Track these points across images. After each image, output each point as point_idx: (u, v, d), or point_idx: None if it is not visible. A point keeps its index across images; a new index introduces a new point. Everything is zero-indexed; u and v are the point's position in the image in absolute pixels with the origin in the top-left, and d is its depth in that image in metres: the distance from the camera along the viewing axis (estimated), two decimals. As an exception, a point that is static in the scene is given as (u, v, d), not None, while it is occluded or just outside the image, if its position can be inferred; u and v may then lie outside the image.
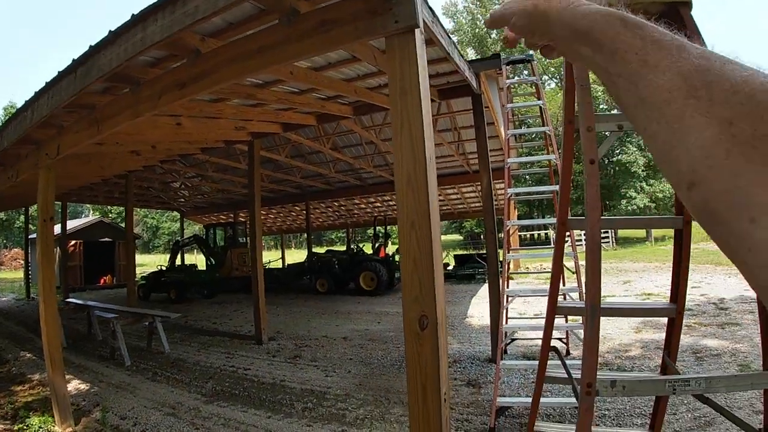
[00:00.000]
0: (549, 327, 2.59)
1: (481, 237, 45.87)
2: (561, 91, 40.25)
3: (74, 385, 7.10)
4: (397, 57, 2.71)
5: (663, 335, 7.61)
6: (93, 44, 4.11)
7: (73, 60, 4.37)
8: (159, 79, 4.46)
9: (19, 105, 5.86)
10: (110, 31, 3.90)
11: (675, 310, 2.55)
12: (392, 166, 16.68)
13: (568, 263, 6.21)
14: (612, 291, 13.73)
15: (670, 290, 2.69)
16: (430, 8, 4.22)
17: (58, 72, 4.62)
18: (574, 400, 5.22)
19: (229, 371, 7.79)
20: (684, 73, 0.43)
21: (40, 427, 5.29)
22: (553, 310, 2.52)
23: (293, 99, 7.29)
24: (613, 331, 8.57)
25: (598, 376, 1.91)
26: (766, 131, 0.36)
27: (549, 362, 2.89)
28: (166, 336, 9.52)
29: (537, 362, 6.05)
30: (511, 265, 16.45)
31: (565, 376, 2.69)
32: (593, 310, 1.95)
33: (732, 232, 0.37)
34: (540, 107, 7.29)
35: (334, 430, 5.23)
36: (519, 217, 24.64)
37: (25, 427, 5.40)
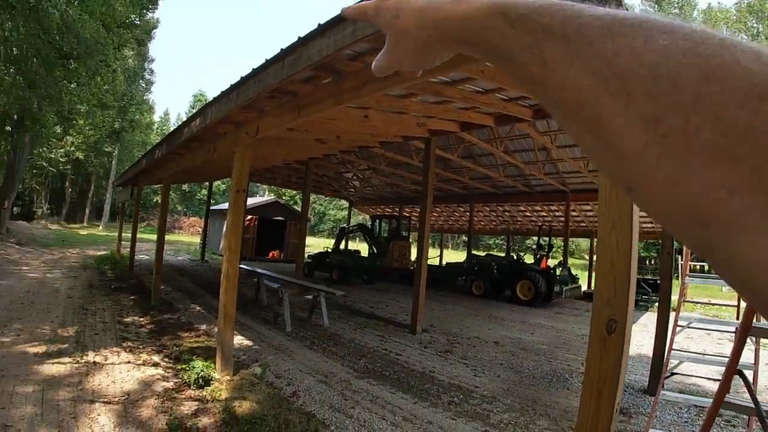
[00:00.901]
0: (740, 347, 2.45)
1: (647, 262, 42.77)
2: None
3: (237, 341, 7.62)
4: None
5: None
6: (301, 36, 4.44)
7: (281, 50, 4.74)
8: (362, 71, 4.76)
9: (207, 94, 6.52)
10: (319, 24, 4.18)
11: None
12: (563, 175, 16.37)
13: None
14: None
15: None
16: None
17: (266, 60, 5.02)
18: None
19: (382, 353, 8.08)
20: (589, 65, 0.34)
21: (201, 370, 5.83)
22: (748, 329, 2.38)
23: (477, 98, 7.36)
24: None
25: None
26: (699, 123, 0.29)
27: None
28: (327, 311, 10.12)
29: (699, 398, 5.69)
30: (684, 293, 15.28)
31: (744, 404, 2.54)
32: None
33: (684, 235, 0.32)
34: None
35: (477, 428, 5.22)
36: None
37: (187, 368, 6.03)
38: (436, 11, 0.49)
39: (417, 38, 0.52)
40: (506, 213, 27.05)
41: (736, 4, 44.26)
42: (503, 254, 21.63)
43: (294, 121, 5.69)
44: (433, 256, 28.44)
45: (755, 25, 42.60)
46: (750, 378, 5.52)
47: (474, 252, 23.04)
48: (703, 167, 0.28)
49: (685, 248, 6.07)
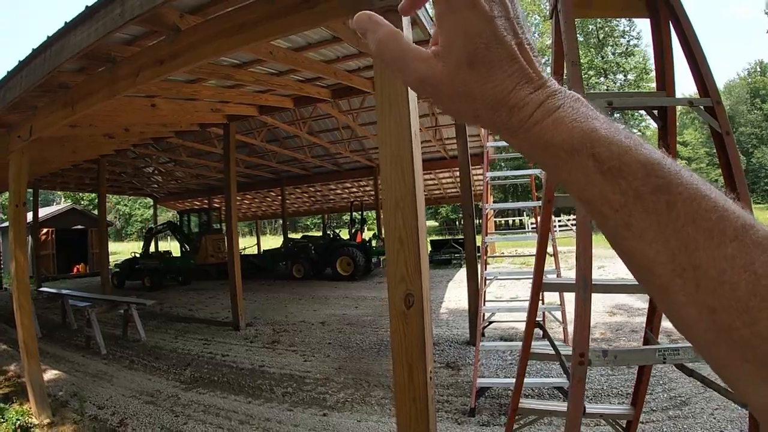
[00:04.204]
0: (534, 304, 2.60)
1: (456, 223, 46.22)
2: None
3: (51, 376, 6.99)
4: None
5: (635, 320, 7.82)
6: (68, 20, 4.00)
7: (48, 37, 4.24)
8: (137, 56, 4.37)
9: None
10: (87, 6, 3.79)
11: (658, 286, 2.58)
12: (369, 151, 16.76)
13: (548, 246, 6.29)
14: (586, 275, 13.93)
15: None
16: (413, -12, 4.16)
17: (32, 50, 4.49)
18: (551, 380, 5.33)
19: (207, 358, 7.75)
20: (672, 249, 0.39)
21: (17, 420, 5.17)
22: (539, 286, 2.53)
23: (271, 80, 7.19)
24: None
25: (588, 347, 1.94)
26: (740, 325, 0.36)
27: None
28: (142, 323, 9.42)
29: (516, 343, 6.16)
30: (487, 250, 16.64)
31: (550, 352, 2.71)
32: (585, 283, 1.96)
33: (724, 377, 0.40)
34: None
35: (315, 413, 5.24)
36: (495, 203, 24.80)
37: (2, 420, 5.29)
38: (517, 89, 0.44)
39: (472, 91, 0.45)
40: (318, 193, 27.28)
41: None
42: (320, 233, 21.83)
43: (69, 117, 5.09)
44: (250, 244, 27.91)
45: (548, 7, 46.62)
46: (559, 317, 6.11)
47: (291, 235, 22.98)
48: (739, 358, 0.37)
49: (485, 210, 6.47)
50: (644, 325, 2.82)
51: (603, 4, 2.73)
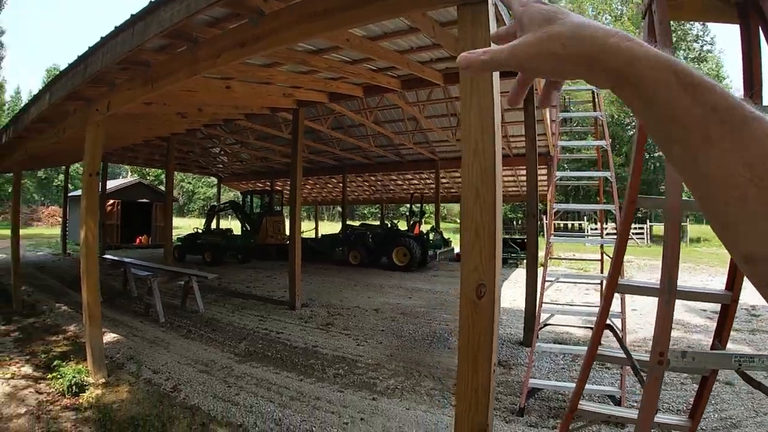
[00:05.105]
0: (607, 304, 2.57)
1: (514, 222, 45.57)
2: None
3: (108, 339, 7.22)
4: (469, 25, 2.67)
5: (692, 336, 7.61)
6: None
7: (132, 15, 4.35)
8: (219, 38, 4.46)
9: (62, 67, 5.90)
10: (173, -14, 3.90)
11: (730, 297, 2.55)
12: (432, 144, 16.72)
13: (610, 251, 6.14)
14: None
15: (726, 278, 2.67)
16: (496, -16, 4.14)
17: (115, 27, 4.60)
18: (603, 387, 5.23)
19: (262, 333, 7.91)
20: (748, 159, 0.42)
21: (73, 377, 5.36)
22: (613, 287, 2.50)
23: (344, 68, 7.27)
24: (644, 326, 8.42)
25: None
26: None
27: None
28: (201, 296, 9.73)
29: (569, 347, 6.08)
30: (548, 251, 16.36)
31: (617, 355, 2.68)
32: (670, 283, 1.94)
33: None
34: (593, 92, 7.13)
35: (365, 397, 5.29)
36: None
37: (58, 376, 5.50)
38: (599, 35, 0.51)
39: (564, 49, 0.52)
40: (379, 182, 27.44)
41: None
42: (378, 223, 21.92)
43: (147, 94, 5.27)
44: (308, 228, 28.29)
45: (619, 7, 45.10)
46: (618, 326, 5.98)
47: (349, 222, 23.18)
48: None
49: (552, 209, 6.37)
50: (711, 338, 2.76)
51: (694, 8, 2.65)
